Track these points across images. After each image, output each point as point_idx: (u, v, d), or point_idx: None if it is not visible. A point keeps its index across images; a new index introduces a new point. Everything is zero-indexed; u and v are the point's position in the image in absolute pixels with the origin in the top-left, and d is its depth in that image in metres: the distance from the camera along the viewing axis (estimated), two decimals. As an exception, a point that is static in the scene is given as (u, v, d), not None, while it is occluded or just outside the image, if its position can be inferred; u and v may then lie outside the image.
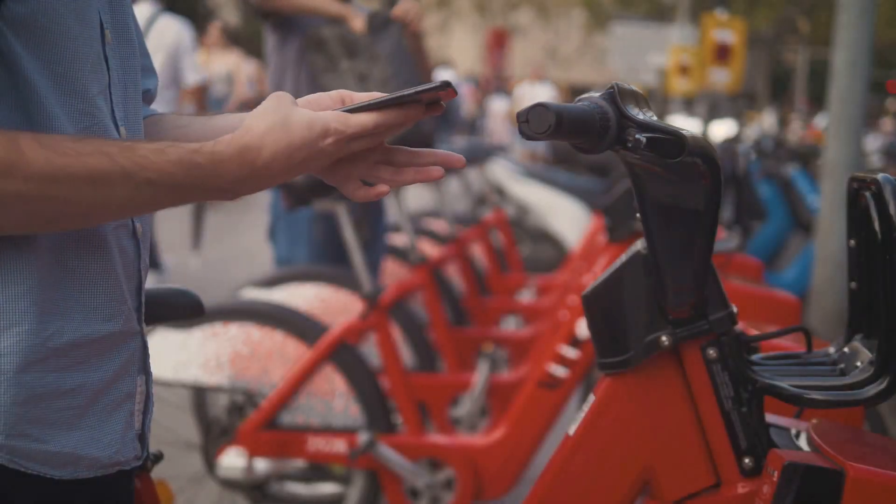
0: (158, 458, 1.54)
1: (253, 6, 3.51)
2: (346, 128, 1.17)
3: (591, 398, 1.53)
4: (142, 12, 6.50)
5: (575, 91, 25.53)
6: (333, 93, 1.28)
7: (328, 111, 1.18)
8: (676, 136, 1.36)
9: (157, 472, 1.56)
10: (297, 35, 3.48)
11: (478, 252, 4.80)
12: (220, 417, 3.00)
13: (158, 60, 6.08)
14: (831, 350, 1.60)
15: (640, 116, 1.39)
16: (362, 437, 2.84)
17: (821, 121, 14.29)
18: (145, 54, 1.37)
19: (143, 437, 1.29)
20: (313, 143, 1.16)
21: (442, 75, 13.69)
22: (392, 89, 3.34)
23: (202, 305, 1.64)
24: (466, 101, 17.40)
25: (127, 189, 1.09)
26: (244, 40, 18.16)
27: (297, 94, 1.23)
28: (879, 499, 1.35)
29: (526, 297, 5.21)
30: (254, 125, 1.15)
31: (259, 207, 7.72)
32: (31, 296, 1.12)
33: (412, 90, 1.18)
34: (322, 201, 2.99)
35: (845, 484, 1.35)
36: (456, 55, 29.50)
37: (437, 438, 3.08)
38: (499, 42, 23.17)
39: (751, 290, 2.87)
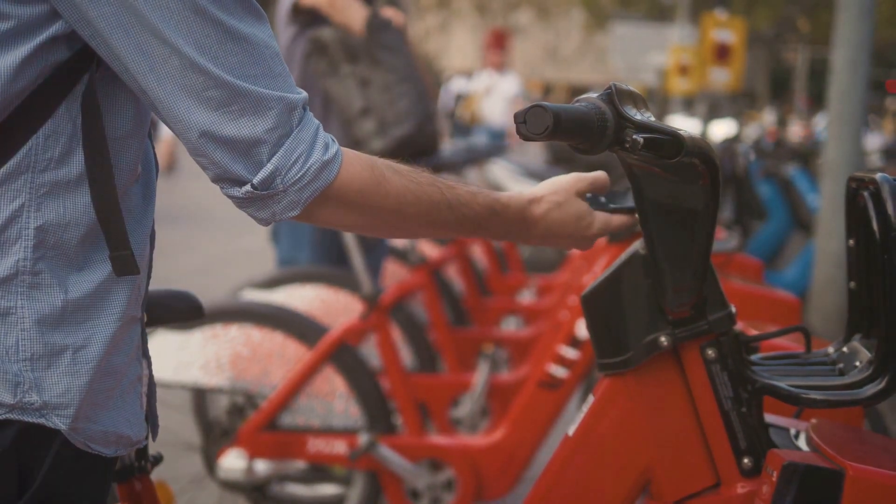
0: (158, 459, 1.54)
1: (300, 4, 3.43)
2: (607, 228, 1.47)
3: (591, 399, 1.53)
4: None
5: (575, 91, 25.52)
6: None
7: (601, 214, 1.48)
8: (674, 137, 1.36)
9: (157, 474, 1.56)
10: (303, 38, 3.47)
11: (478, 252, 4.79)
12: (221, 419, 3.00)
13: None
14: (831, 350, 1.60)
15: (638, 117, 1.39)
16: (363, 438, 2.84)
17: (820, 120, 14.29)
18: None
19: (147, 419, 1.36)
20: (578, 232, 1.46)
21: (456, 83, 13.66)
22: (394, 94, 3.33)
23: (202, 307, 1.65)
24: None
25: (447, 217, 1.32)
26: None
27: None
28: (879, 499, 1.35)
29: (526, 297, 5.20)
30: (543, 199, 1.43)
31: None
32: (129, 289, 1.22)
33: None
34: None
35: (845, 484, 1.34)
36: (455, 55, 29.47)
37: (437, 439, 3.08)
38: (499, 42, 23.11)
39: (750, 290, 2.87)
